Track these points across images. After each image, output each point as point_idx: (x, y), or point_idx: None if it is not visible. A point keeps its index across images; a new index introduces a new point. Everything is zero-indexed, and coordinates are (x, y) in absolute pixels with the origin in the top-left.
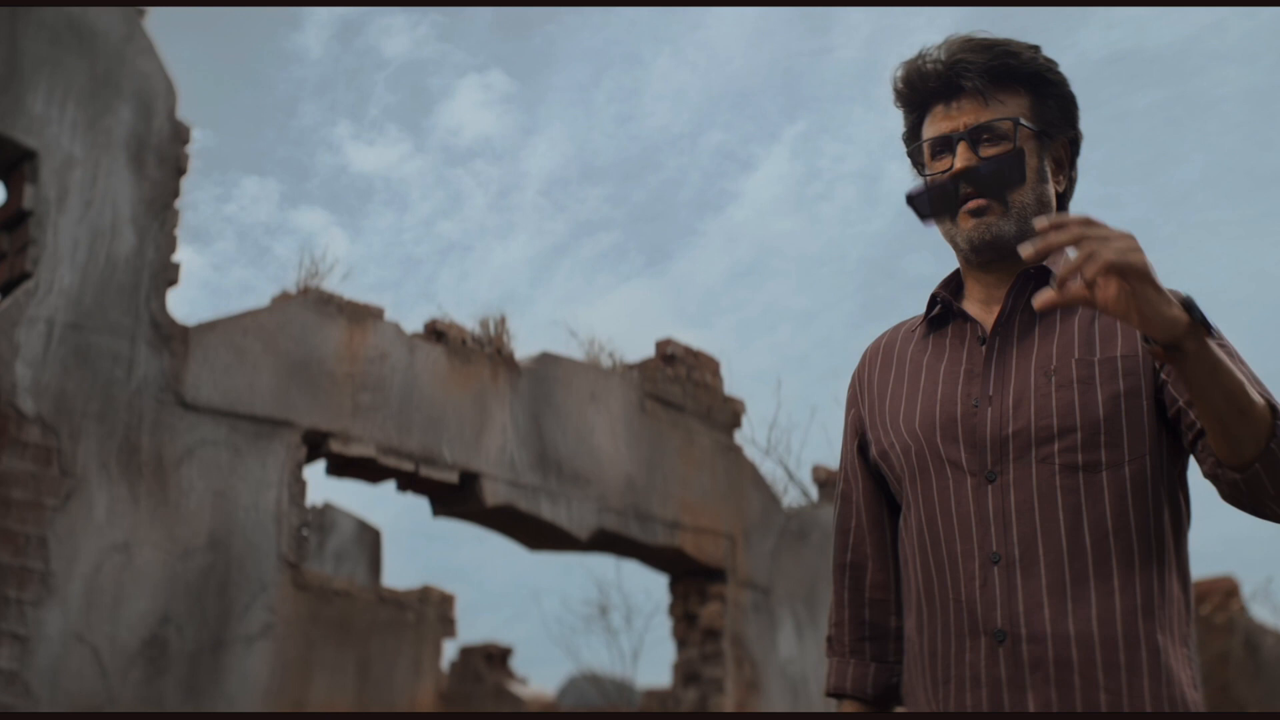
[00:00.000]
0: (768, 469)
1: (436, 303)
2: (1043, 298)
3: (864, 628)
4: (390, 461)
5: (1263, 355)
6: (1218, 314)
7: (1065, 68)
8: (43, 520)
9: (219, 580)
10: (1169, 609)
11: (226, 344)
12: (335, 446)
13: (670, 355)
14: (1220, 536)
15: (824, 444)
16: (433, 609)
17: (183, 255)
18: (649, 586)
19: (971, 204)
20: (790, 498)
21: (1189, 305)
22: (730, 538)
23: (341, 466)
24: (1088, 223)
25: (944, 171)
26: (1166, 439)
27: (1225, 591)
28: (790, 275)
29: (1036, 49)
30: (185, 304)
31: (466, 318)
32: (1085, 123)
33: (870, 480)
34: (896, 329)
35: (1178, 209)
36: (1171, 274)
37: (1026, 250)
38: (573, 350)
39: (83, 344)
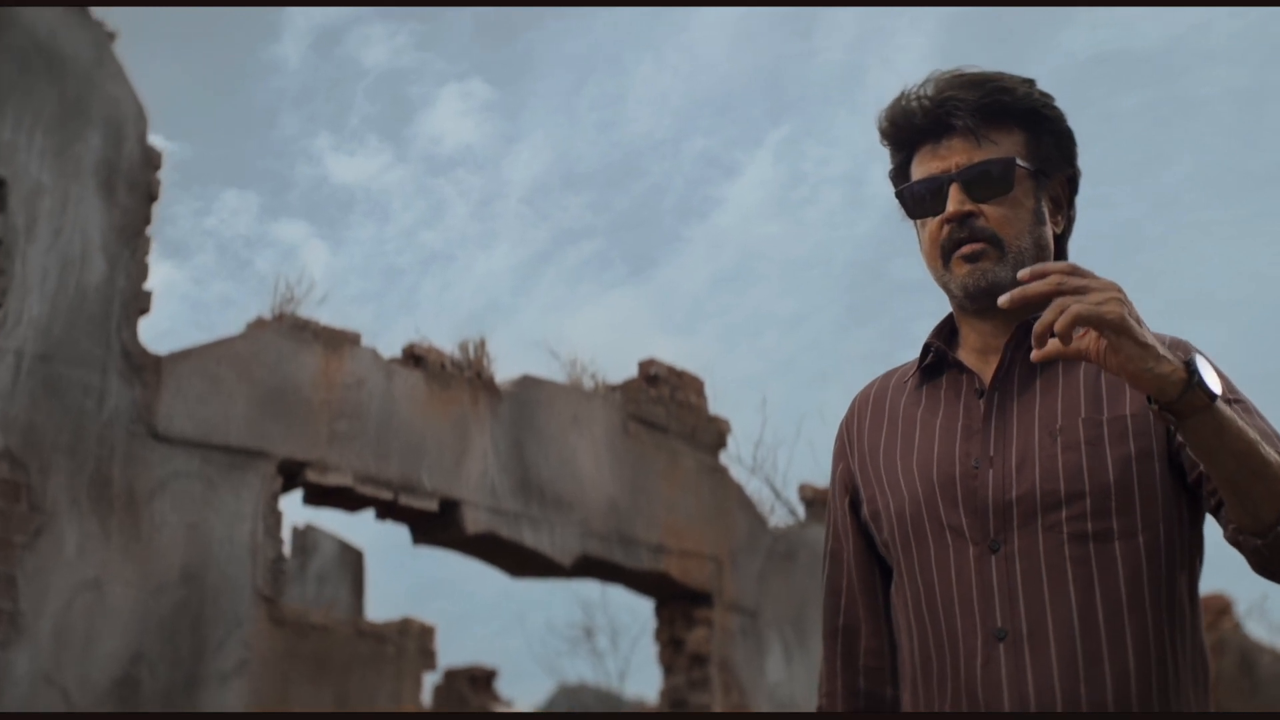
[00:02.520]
0: (754, 488)
1: (420, 312)
2: (1035, 353)
3: (858, 698)
4: (368, 490)
5: (1258, 357)
6: (1210, 315)
7: (1050, 69)
8: (11, 558)
9: (192, 616)
10: (1185, 673)
11: (200, 373)
12: (312, 476)
13: (653, 375)
14: (1213, 553)
15: (811, 461)
16: (413, 641)
17: (162, 270)
18: (635, 606)
19: (966, 249)
20: (777, 517)
21: (1190, 362)
22: (716, 560)
23: (318, 496)
24: (1070, 272)
25: (935, 215)
26: (1185, 503)
27: (1218, 610)
28: (776, 280)
29: (1031, 83)
30: (165, 319)
31: (446, 341)
32: (1072, 122)
33: (862, 539)
34: (888, 377)
35: (1168, 210)
36: (1163, 275)
37: (1004, 301)
38: (554, 372)
39: (52, 375)
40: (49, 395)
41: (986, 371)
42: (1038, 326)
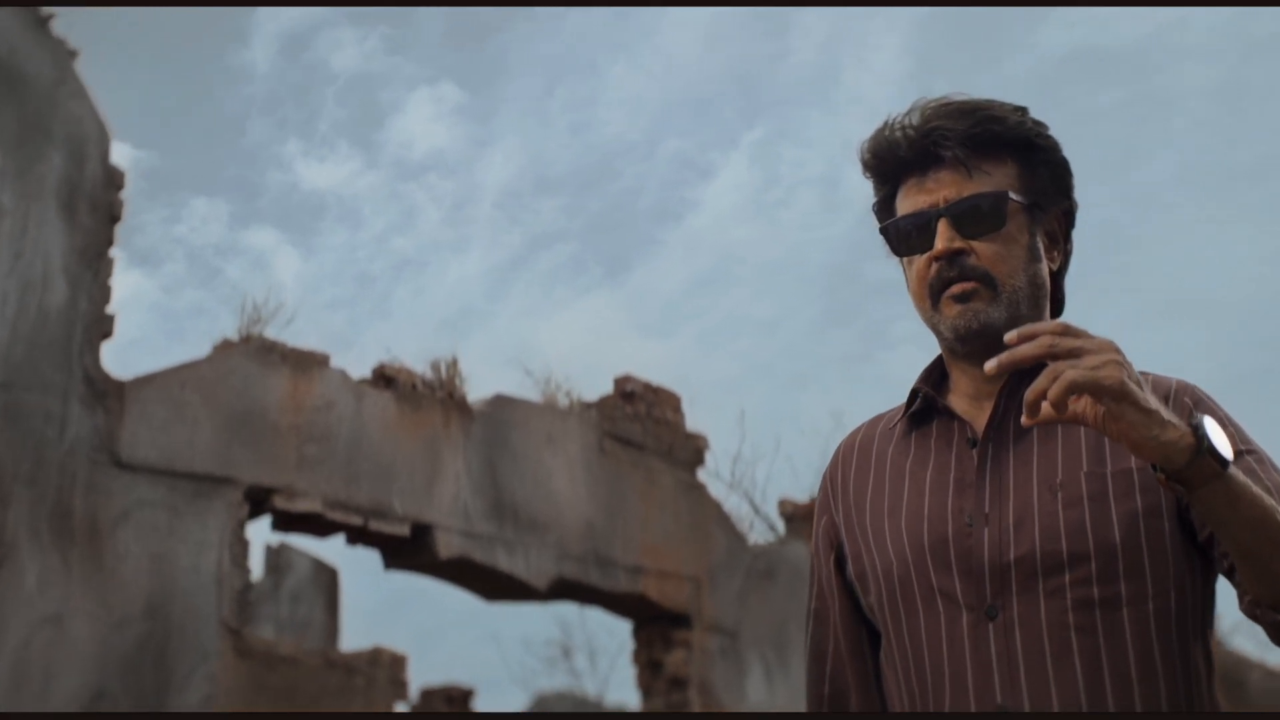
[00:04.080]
0: (732, 504)
1: (393, 319)
2: (1025, 418)
3: None
4: (338, 516)
5: (1238, 355)
6: (1190, 314)
7: (1026, 67)
8: None
9: (156, 650)
10: None
11: (164, 398)
12: (280, 502)
13: (629, 392)
14: None
15: (789, 475)
16: (384, 671)
17: (131, 279)
18: (613, 625)
19: (956, 288)
20: (757, 534)
21: (1197, 425)
22: (695, 581)
23: (287, 522)
24: (1062, 332)
25: (923, 252)
26: (1197, 563)
27: None
28: (751, 283)
29: (1023, 111)
30: (134, 328)
31: (417, 360)
32: (1049, 120)
33: (848, 598)
34: (874, 423)
35: (1145, 208)
36: (1140, 274)
37: (990, 367)
38: (528, 390)
39: (12, 403)
40: (8, 423)
41: (979, 419)
42: (1030, 394)
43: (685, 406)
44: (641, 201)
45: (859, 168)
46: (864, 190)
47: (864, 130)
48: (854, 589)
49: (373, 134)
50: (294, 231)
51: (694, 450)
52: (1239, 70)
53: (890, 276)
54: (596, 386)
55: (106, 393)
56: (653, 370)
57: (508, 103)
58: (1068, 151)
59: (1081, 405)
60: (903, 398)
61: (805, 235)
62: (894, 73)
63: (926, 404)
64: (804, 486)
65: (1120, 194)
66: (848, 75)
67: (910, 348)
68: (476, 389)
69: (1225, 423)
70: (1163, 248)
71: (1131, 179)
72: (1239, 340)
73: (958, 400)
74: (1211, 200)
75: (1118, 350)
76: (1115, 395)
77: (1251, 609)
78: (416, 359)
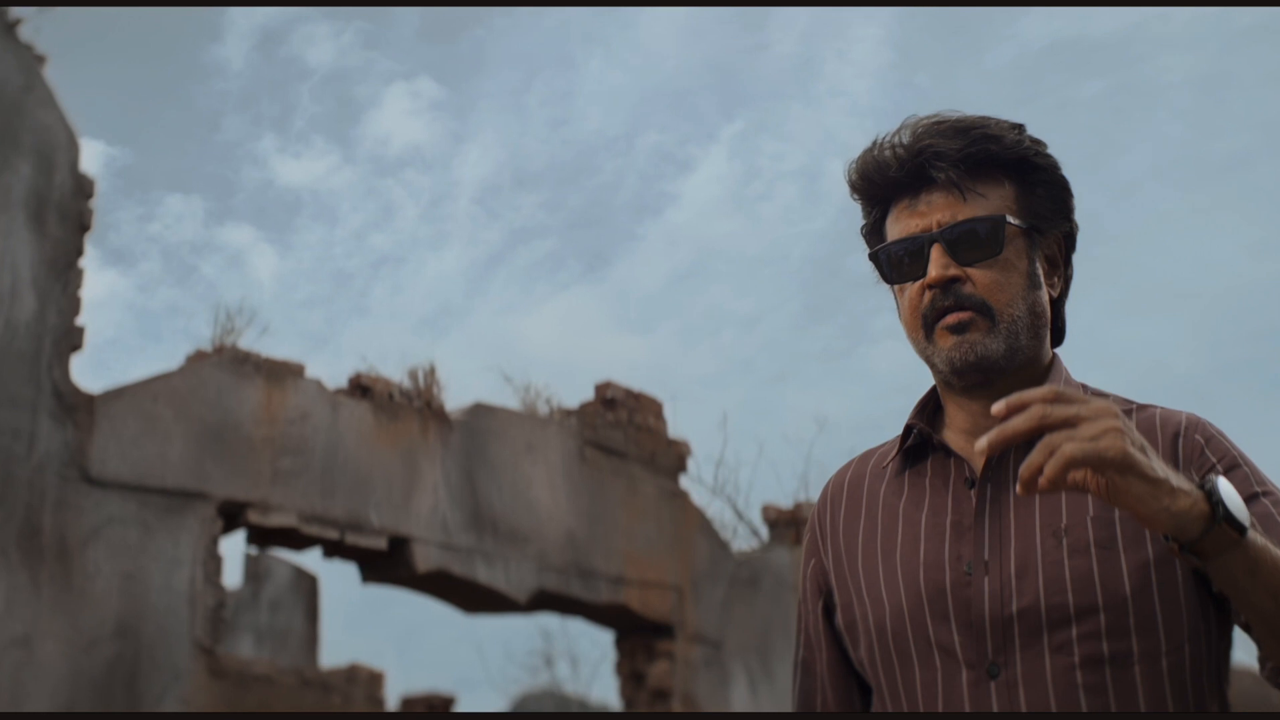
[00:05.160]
0: (716, 509)
1: (371, 316)
2: (1020, 488)
3: None
4: (314, 530)
5: (1218, 347)
6: (1170, 307)
7: (1006, 59)
8: None
9: (127, 671)
10: None
11: (135, 412)
12: (254, 517)
13: (610, 399)
14: None
15: (773, 480)
16: (360, 689)
17: (105, 278)
18: (595, 634)
19: (951, 318)
20: (740, 540)
21: (1210, 491)
22: (678, 590)
23: (262, 537)
24: (1054, 399)
25: (915, 280)
26: (1213, 614)
27: None
28: (732, 278)
29: (1020, 128)
30: (110, 328)
31: (394, 368)
32: (1028, 113)
33: (837, 650)
34: (865, 459)
35: (1126, 200)
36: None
37: (981, 448)
38: (508, 398)
39: None
40: None
41: (977, 457)
42: (1024, 471)
43: (667, 410)
44: (620, 196)
45: (845, 174)
46: (845, 183)
47: (845, 123)
48: (843, 639)
49: (349, 130)
50: (270, 229)
51: (676, 457)
52: (1220, 61)
53: (870, 271)
54: (577, 390)
55: (76, 407)
56: (633, 366)
57: (485, 98)
58: (1049, 142)
59: (1081, 475)
60: (885, 393)
61: (786, 230)
62: (874, 64)
63: (921, 440)
64: (787, 492)
65: (1101, 184)
66: (828, 68)
67: (893, 343)
68: (455, 397)
69: (1239, 462)
70: (1143, 239)
71: (1112, 170)
72: (1220, 332)
73: (954, 436)
74: (1192, 191)
75: (1116, 415)
76: (1119, 467)
77: (1273, 675)
78: (394, 364)
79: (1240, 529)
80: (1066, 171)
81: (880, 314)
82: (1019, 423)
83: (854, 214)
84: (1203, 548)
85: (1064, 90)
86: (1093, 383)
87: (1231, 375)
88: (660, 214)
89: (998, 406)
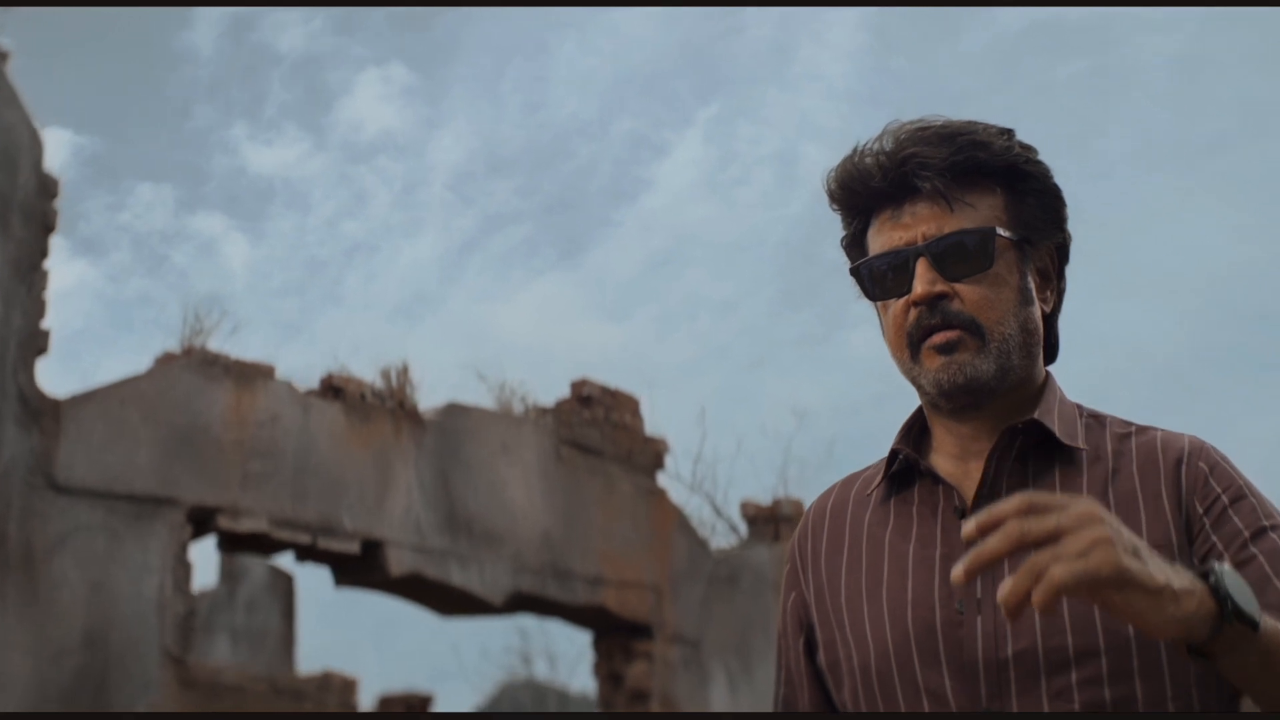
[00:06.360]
0: (694, 506)
1: (345, 305)
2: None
3: None
4: (285, 535)
5: (1200, 331)
6: (1151, 291)
7: (984, 42)
8: None
9: (95, 683)
10: None
11: (102, 416)
12: (224, 522)
13: (586, 396)
14: None
15: (752, 475)
16: (334, 696)
17: (75, 268)
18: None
19: (938, 337)
20: (719, 538)
21: (1217, 584)
22: (656, 590)
23: (232, 543)
24: (1028, 510)
25: (900, 296)
26: None
27: None
28: (708, 263)
29: (1009, 134)
30: (80, 318)
31: (366, 368)
32: (1006, 97)
33: (820, 689)
34: (849, 485)
35: (1106, 182)
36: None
37: (958, 574)
38: (482, 397)
39: None
40: None
41: (967, 484)
42: (1008, 598)
43: (644, 403)
44: (595, 182)
45: (824, 183)
46: (822, 166)
47: (821, 106)
48: (826, 679)
49: (321, 116)
50: (242, 217)
51: (654, 454)
52: (1199, 42)
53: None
54: (553, 382)
55: (42, 412)
56: (610, 354)
57: (458, 83)
58: (1027, 126)
59: (1084, 595)
60: (863, 379)
61: (762, 214)
62: (850, 47)
63: (906, 465)
64: (766, 487)
65: (1081, 167)
66: (804, 51)
67: (870, 328)
68: (429, 396)
69: (1245, 493)
70: (1123, 222)
71: (1092, 152)
72: (1201, 316)
73: (941, 461)
74: (1172, 174)
75: (1101, 519)
76: (1115, 584)
77: None
78: (367, 361)
79: (1253, 624)
80: (1044, 155)
81: (858, 299)
82: (995, 544)
83: (828, 202)
84: (1213, 649)
85: (1043, 72)
86: (1072, 369)
87: (1212, 359)
88: (635, 199)
89: (968, 528)
